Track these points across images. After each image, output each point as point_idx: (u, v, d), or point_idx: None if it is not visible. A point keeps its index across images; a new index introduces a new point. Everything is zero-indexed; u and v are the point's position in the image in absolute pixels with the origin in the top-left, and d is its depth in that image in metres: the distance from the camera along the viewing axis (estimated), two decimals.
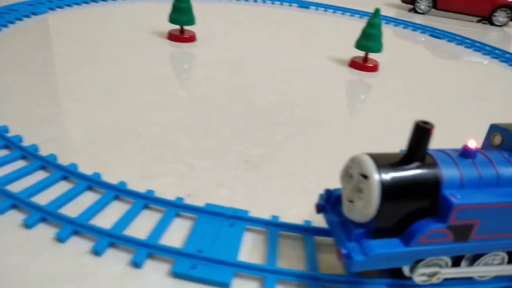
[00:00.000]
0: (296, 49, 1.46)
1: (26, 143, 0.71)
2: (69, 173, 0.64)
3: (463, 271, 0.51)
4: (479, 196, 0.47)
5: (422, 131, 0.46)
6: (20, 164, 0.66)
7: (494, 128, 0.55)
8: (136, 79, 1.04)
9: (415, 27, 1.96)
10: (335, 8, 2.05)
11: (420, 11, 2.38)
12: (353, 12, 2.04)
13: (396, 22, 2.00)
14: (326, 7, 2.06)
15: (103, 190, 0.61)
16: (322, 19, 1.94)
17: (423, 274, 0.50)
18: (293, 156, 0.79)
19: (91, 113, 0.85)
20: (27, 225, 0.54)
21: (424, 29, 1.94)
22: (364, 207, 0.46)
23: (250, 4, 2.01)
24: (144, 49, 1.26)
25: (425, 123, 0.46)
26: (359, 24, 1.90)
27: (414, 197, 0.47)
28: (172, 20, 1.32)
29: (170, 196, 0.62)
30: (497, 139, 0.54)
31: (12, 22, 1.30)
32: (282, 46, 1.47)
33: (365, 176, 0.45)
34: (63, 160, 0.68)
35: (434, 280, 0.51)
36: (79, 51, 1.17)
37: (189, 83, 1.07)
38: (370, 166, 0.46)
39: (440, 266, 0.50)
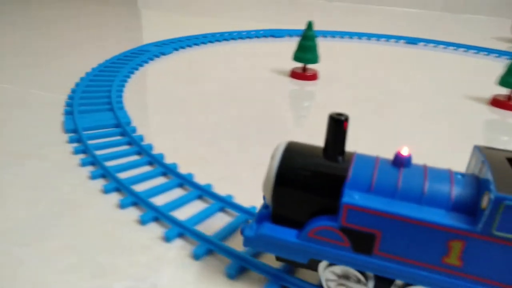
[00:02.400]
0: (423, 88, 1.37)
1: (198, 180, 0.70)
2: (251, 215, 0.61)
3: None
4: (380, 202, 0.40)
5: (336, 123, 0.44)
6: (199, 204, 0.65)
7: (475, 150, 0.45)
8: (268, 117, 1.02)
9: None
10: (446, 44, 1.95)
11: None
12: (468, 47, 1.92)
13: (510, 56, 1.84)
14: (437, 43, 1.96)
15: None
16: (435, 55, 1.85)
17: (330, 280, 0.46)
18: None
19: (246, 152, 0.83)
20: (229, 275, 0.51)
21: None
22: (264, 186, 0.46)
23: (356, 41, 1.98)
24: (269, 87, 1.26)
25: (340, 114, 0.44)
26: (477, 60, 1.78)
27: (312, 189, 0.44)
28: (297, 58, 1.32)
29: None
30: (473, 162, 0.45)
31: (146, 62, 1.38)
32: (407, 84, 1.40)
33: (272, 157, 0.46)
34: (240, 201, 0.65)
35: None
36: (211, 88, 1.19)
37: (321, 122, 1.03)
38: (279, 149, 0.46)
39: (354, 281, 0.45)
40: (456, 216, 0.40)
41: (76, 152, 0.78)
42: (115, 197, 0.65)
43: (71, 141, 0.82)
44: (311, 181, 0.44)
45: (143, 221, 0.59)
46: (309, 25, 1.29)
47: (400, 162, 0.43)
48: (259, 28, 2.04)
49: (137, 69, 1.31)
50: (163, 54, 1.49)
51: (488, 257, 0.39)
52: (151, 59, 1.42)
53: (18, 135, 0.84)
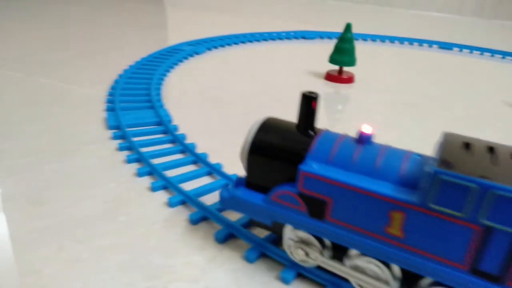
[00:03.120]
0: (461, 94, 1.34)
1: None
2: None
3: (329, 263, 0.48)
4: (333, 172, 0.44)
5: (306, 100, 0.48)
6: None
7: (441, 135, 0.46)
8: None
9: None
10: (482, 50, 1.90)
11: None
12: (504, 54, 1.86)
13: None
14: (472, 48, 1.92)
15: None
16: (471, 61, 1.80)
17: (291, 247, 0.50)
18: None
19: None
20: (284, 279, 0.50)
21: None
22: (240, 155, 0.51)
23: (388, 45, 1.95)
24: (302, 88, 1.24)
25: (311, 93, 0.48)
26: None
27: (280, 158, 0.48)
28: (333, 60, 1.30)
29: None
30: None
31: (180, 61, 1.39)
32: (444, 90, 1.36)
33: (250, 130, 0.51)
34: None
35: (297, 257, 0.50)
36: (244, 89, 1.19)
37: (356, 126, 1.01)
38: (256, 123, 0.51)
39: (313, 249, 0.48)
40: (400, 189, 0.42)
41: (121, 149, 0.78)
42: (163, 195, 0.65)
43: (115, 137, 0.82)
44: (280, 151, 0.48)
45: (192, 221, 0.59)
46: (348, 27, 1.27)
47: (361, 139, 0.46)
48: (289, 29, 2.03)
49: (172, 67, 1.31)
50: (197, 53, 1.49)
51: (426, 230, 0.40)
52: (186, 58, 1.43)
53: (64, 131, 0.85)
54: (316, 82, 1.32)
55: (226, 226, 0.57)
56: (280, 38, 1.88)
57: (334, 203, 0.44)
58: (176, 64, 1.35)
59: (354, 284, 0.47)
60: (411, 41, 1.99)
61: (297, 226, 0.47)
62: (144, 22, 2.09)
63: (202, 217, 0.60)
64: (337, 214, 0.44)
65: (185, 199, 0.63)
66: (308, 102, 0.48)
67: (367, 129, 0.45)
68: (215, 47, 1.61)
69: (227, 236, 0.56)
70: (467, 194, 0.36)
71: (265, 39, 1.83)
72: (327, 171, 0.44)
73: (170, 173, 0.71)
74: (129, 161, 0.74)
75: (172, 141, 0.81)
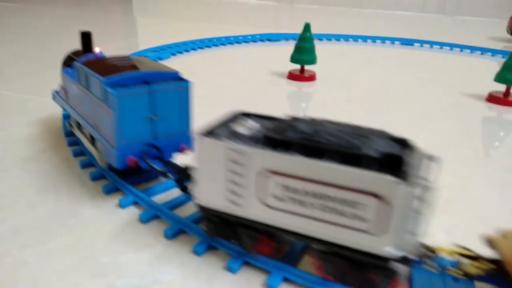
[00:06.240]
0: (420, 87, 1.38)
1: None
2: None
3: (77, 133, 0.79)
4: (70, 74, 0.75)
5: (83, 36, 0.79)
6: None
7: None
8: None
9: None
10: (441, 44, 1.97)
11: None
12: (462, 47, 1.93)
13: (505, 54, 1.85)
14: (432, 43, 1.98)
15: None
16: (430, 55, 1.86)
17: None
18: None
19: None
20: (231, 269, 0.51)
21: None
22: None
23: (352, 44, 2.00)
24: (266, 88, 1.26)
25: (86, 31, 0.79)
26: (472, 59, 1.79)
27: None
28: (294, 59, 1.33)
29: None
30: None
31: None
32: (404, 84, 1.41)
33: None
34: None
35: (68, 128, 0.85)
36: (211, 92, 1.20)
37: None
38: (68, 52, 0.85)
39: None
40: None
41: (75, 154, 0.78)
42: (115, 198, 0.65)
43: (69, 144, 0.82)
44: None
45: (142, 220, 0.59)
46: (306, 27, 1.30)
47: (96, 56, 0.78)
48: (255, 33, 2.05)
49: None
50: (161, 59, 1.49)
51: (88, 105, 0.67)
52: None
53: (21, 140, 0.84)
54: (279, 81, 1.34)
55: (175, 223, 0.58)
56: (246, 41, 1.90)
57: (69, 91, 0.76)
58: None
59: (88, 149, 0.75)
60: (373, 39, 2.04)
61: (64, 108, 0.81)
62: (112, 32, 2.08)
63: (153, 215, 0.60)
64: (70, 98, 0.76)
65: (137, 200, 0.63)
66: (84, 37, 0.78)
67: (97, 50, 0.79)
68: (180, 52, 1.61)
69: (176, 232, 0.57)
70: (83, 76, 0.67)
71: (230, 43, 1.85)
72: (69, 74, 0.75)
73: (123, 175, 0.71)
74: (82, 166, 0.74)
75: None
